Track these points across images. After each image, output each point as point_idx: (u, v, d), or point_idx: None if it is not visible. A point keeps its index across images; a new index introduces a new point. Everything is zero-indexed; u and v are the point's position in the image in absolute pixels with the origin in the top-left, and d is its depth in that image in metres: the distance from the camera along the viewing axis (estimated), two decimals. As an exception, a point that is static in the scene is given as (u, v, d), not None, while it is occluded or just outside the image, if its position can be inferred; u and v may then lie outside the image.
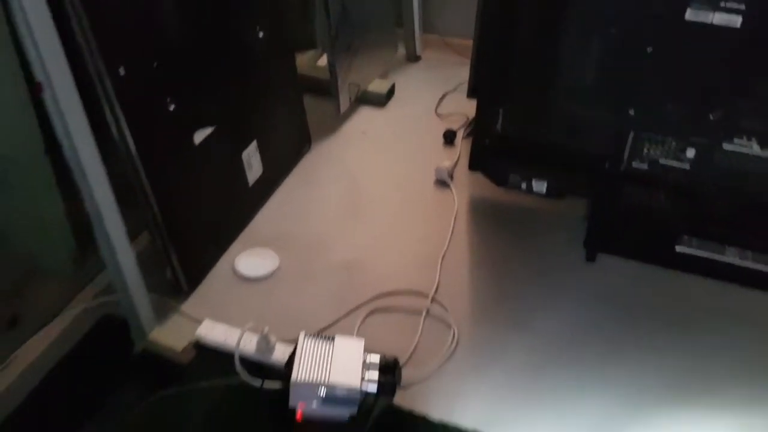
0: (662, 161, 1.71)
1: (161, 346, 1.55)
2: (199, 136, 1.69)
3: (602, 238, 1.87)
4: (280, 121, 2.08)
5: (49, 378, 1.52)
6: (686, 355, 1.61)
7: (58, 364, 1.55)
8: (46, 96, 1.18)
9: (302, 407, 1.28)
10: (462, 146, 2.27)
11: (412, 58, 2.79)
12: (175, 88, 1.58)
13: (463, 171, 2.13)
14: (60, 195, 1.58)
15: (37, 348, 1.54)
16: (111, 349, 1.58)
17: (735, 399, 1.52)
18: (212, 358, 1.56)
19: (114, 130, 1.45)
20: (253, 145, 1.90)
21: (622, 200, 1.80)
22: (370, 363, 1.31)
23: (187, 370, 1.54)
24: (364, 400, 1.29)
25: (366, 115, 2.47)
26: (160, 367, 1.54)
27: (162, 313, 1.64)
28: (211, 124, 1.71)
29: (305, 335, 1.32)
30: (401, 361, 1.53)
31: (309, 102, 2.26)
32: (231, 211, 1.90)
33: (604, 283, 1.79)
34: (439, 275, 1.80)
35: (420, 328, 1.65)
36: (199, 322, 1.63)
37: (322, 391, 1.25)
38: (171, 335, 1.57)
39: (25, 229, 1.62)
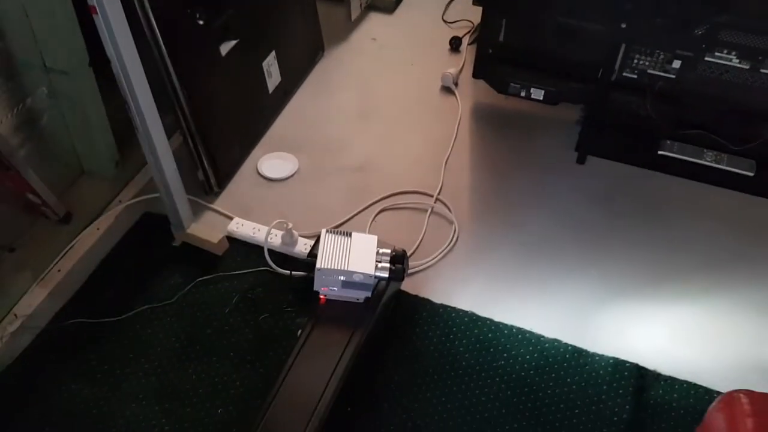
0: (650, 71, 1.86)
1: (198, 239, 1.76)
2: (225, 48, 1.84)
3: (592, 142, 2.04)
4: (296, 30, 2.21)
5: (103, 265, 1.74)
6: (662, 248, 1.82)
7: (109, 254, 1.77)
8: (98, 19, 1.32)
9: (325, 290, 1.50)
10: (467, 53, 2.40)
11: (420, -38, 2.84)
12: (203, 4, 1.72)
13: (467, 77, 2.27)
14: (103, 103, 1.75)
15: (90, 240, 1.75)
16: (153, 242, 1.79)
17: (701, 285, 1.74)
18: (243, 250, 1.78)
19: (152, 44, 1.61)
20: (272, 55, 2.05)
21: (612, 107, 1.96)
22: (383, 254, 1.51)
23: (221, 260, 1.75)
24: (377, 285, 1.51)
25: (375, 21, 2.58)
26: (198, 257, 1.75)
27: (195, 210, 1.84)
28: (235, 38, 1.85)
29: (326, 231, 1.53)
30: (408, 253, 1.75)
31: (321, 9, 2.36)
32: (253, 116, 2.07)
33: (592, 184, 1.98)
34: (443, 176, 1.98)
35: (425, 224, 1.86)
36: (229, 218, 1.84)
37: (342, 277, 1.47)
38: (206, 230, 1.77)
39: (74, 134, 1.81)
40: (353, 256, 1.48)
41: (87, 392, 1.50)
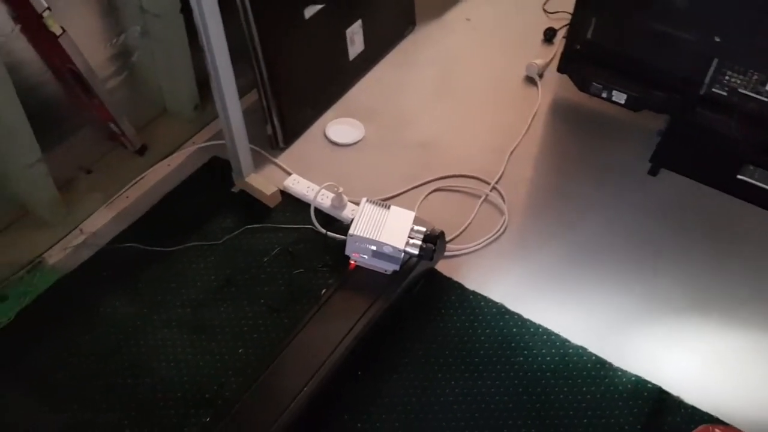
0: (742, 90, 1.76)
1: (254, 189, 1.84)
2: (309, 12, 1.89)
3: (669, 155, 1.96)
4: (388, 2, 2.23)
5: (166, 199, 1.86)
6: (717, 274, 1.74)
7: (173, 189, 1.88)
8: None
9: (355, 257, 1.55)
10: (559, 46, 2.34)
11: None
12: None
13: (553, 71, 2.22)
14: (189, 49, 1.86)
15: (159, 174, 1.90)
16: (215, 185, 1.89)
17: (749, 320, 1.66)
18: (294, 206, 1.85)
19: (239, 4, 1.68)
20: (358, 23, 2.09)
21: (696, 122, 1.87)
22: (417, 231, 1.54)
23: (272, 212, 1.83)
24: (407, 260, 1.54)
25: (473, 1, 2.55)
26: (252, 206, 1.84)
27: (258, 162, 1.93)
28: (321, 2, 1.90)
29: (366, 200, 1.57)
30: (451, 236, 1.77)
31: (420, -17, 2.38)
32: (330, 81, 2.12)
33: (659, 198, 1.91)
34: (505, 166, 1.97)
35: (476, 210, 1.86)
36: (288, 174, 1.91)
37: (373, 246, 1.51)
38: (263, 181, 1.85)
39: (160, 74, 1.93)
40: (387, 229, 1.52)
41: (127, 310, 1.62)
